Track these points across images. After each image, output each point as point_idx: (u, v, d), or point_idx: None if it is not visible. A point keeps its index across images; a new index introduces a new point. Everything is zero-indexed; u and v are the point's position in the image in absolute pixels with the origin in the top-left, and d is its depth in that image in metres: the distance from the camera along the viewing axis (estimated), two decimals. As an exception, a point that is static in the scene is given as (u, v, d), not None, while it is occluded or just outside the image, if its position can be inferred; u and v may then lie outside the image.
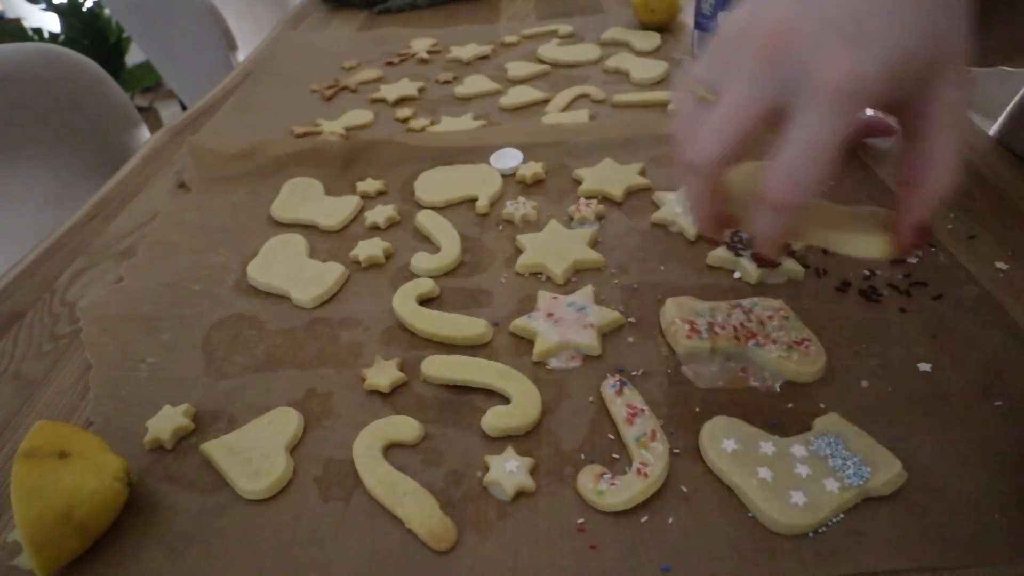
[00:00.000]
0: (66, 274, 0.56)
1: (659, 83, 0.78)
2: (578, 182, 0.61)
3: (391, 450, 0.39)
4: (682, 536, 0.33)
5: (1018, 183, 0.56)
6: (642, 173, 0.61)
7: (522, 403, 0.40)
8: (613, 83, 0.79)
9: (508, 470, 0.36)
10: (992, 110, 0.70)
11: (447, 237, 0.54)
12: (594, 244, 0.53)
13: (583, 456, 0.37)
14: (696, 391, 0.41)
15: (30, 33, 2.50)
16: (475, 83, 0.81)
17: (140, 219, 0.62)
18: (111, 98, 0.94)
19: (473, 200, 0.60)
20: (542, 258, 0.51)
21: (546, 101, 0.77)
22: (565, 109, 0.74)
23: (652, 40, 0.88)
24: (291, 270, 0.52)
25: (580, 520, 0.34)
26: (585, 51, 0.87)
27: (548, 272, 0.50)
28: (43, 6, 2.48)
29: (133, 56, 2.60)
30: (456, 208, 0.59)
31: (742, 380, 0.41)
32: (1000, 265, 0.48)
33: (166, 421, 0.40)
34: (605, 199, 0.59)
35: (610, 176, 0.60)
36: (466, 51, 0.91)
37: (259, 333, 0.48)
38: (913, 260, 0.49)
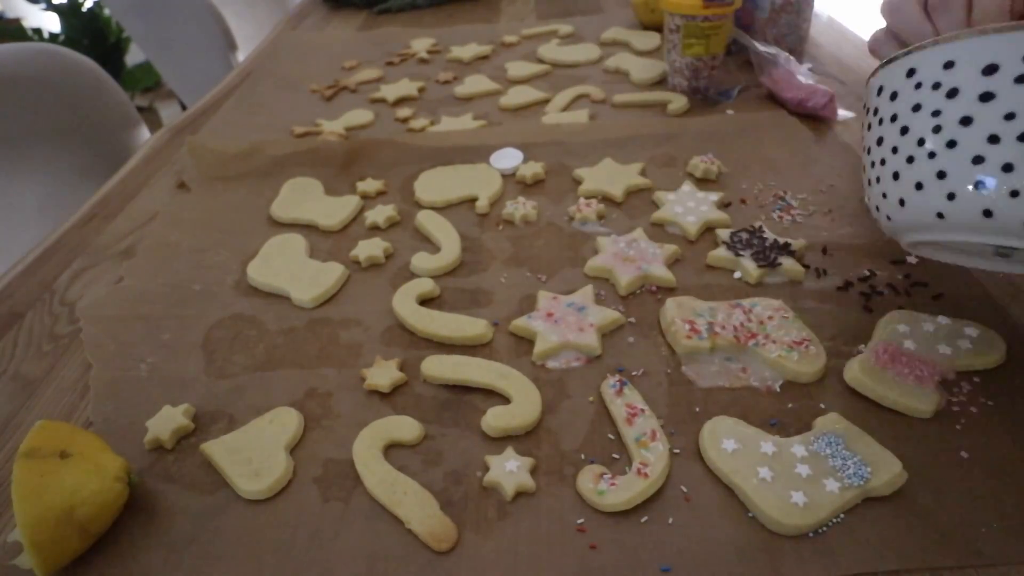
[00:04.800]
0: (66, 274, 0.56)
1: (659, 83, 0.78)
2: (578, 182, 0.61)
3: (391, 450, 0.39)
4: (682, 536, 0.33)
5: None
6: (642, 173, 0.61)
7: (522, 403, 0.40)
8: (613, 83, 0.79)
9: (508, 470, 0.36)
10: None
11: (447, 237, 0.54)
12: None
13: (583, 456, 0.37)
14: (696, 391, 0.41)
15: (30, 33, 2.50)
16: (475, 83, 0.82)
17: (140, 219, 0.62)
18: (111, 98, 0.94)
19: (473, 200, 0.60)
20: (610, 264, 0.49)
21: (546, 101, 0.77)
22: (565, 109, 0.74)
23: (652, 40, 0.88)
24: (291, 270, 0.52)
25: (580, 520, 0.34)
26: (585, 51, 0.87)
27: (614, 280, 0.49)
28: (43, 6, 2.48)
29: (133, 56, 2.60)
30: (456, 208, 0.59)
31: (742, 380, 0.41)
32: (1000, 265, 0.48)
33: (166, 421, 0.40)
34: (605, 199, 0.59)
35: (610, 176, 0.60)
36: (466, 51, 0.91)
37: (259, 333, 0.48)
38: (913, 260, 0.49)
